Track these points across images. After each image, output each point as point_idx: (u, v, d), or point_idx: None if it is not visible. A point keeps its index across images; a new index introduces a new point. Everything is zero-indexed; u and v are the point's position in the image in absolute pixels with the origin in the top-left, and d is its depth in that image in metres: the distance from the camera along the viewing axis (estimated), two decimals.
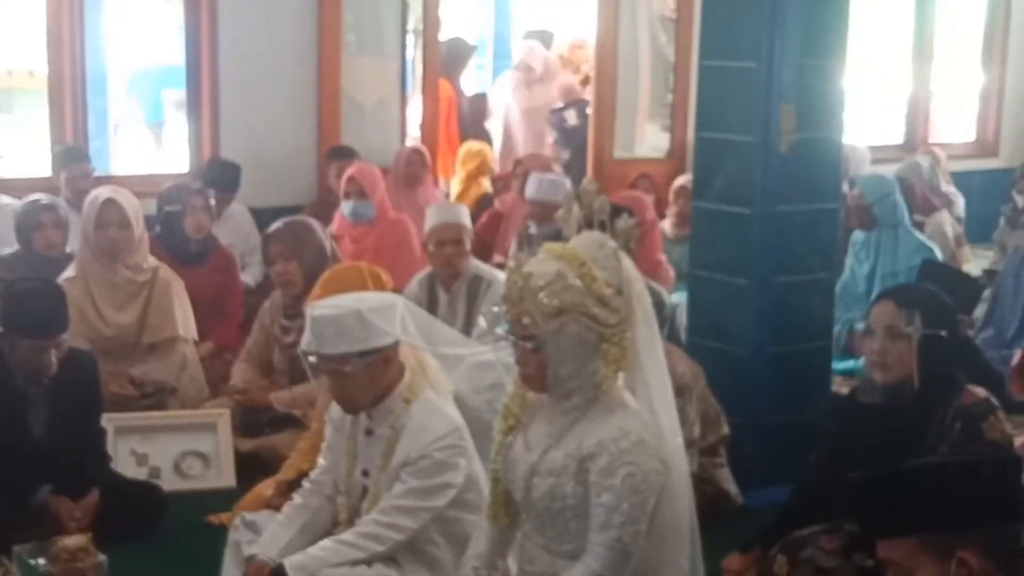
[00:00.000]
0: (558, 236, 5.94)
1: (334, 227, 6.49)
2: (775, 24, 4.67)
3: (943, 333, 3.77)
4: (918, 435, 3.72)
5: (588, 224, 3.19)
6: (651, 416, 3.11)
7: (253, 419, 5.12)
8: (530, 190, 6.50)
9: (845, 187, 6.36)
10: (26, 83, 14.51)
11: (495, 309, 4.73)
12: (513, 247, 6.47)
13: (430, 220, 5.48)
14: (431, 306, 5.36)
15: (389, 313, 3.58)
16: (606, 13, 8.55)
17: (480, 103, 9.52)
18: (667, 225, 7.26)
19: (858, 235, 6.58)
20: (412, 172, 7.36)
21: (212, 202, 6.15)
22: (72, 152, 6.89)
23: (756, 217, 4.77)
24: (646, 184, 7.86)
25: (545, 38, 10.15)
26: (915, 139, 9.92)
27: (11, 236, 6.33)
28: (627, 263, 3.12)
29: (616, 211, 3.22)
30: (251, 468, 4.84)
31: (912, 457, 3.64)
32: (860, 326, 4.75)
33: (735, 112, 4.82)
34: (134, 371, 5.23)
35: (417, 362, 3.71)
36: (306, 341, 3.58)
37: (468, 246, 5.42)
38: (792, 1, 4.68)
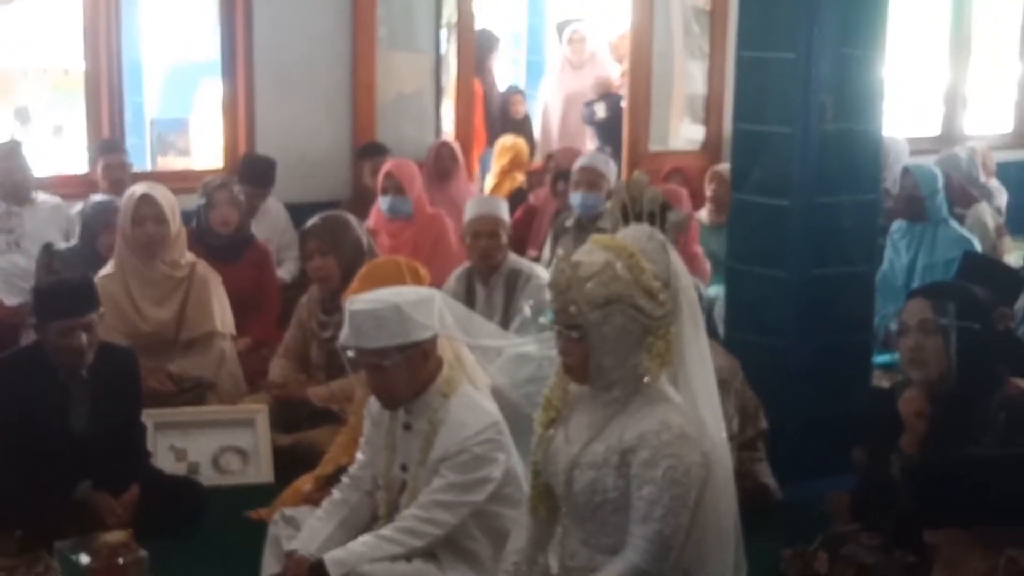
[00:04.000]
0: (593, 225, 5.99)
1: (371, 222, 6.50)
2: (813, 14, 4.64)
3: (977, 326, 3.75)
4: (960, 429, 3.69)
5: (636, 216, 3.18)
6: (694, 411, 3.10)
7: (291, 414, 5.12)
8: (580, 160, 6.54)
9: (886, 177, 6.33)
10: (61, 82, 14.61)
11: (530, 303, 4.76)
12: (548, 241, 6.47)
13: (468, 213, 5.48)
14: (469, 300, 5.35)
15: (427, 307, 3.58)
16: (641, 5, 8.51)
17: (512, 97, 9.48)
18: (704, 212, 7.24)
19: (897, 226, 6.53)
20: (442, 166, 7.36)
21: (240, 196, 6.13)
22: (108, 143, 6.94)
23: (795, 209, 4.74)
24: (679, 178, 7.84)
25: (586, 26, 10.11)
26: (952, 131, 9.85)
27: (52, 232, 6.40)
28: (675, 256, 3.11)
29: (663, 205, 3.20)
30: (289, 463, 4.84)
31: (953, 448, 3.66)
32: (893, 325, 4.72)
33: (773, 103, 4.78)
34: (172, 367, 5.23)
35: (455, 356, 3.71)
36: (345, 335, 3.58)
37: (505, 239, 5.41)
38: None
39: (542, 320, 3.47)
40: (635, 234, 3.14)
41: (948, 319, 3.73)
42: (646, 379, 3.06)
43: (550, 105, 9.53)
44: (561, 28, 10.24)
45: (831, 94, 4.71)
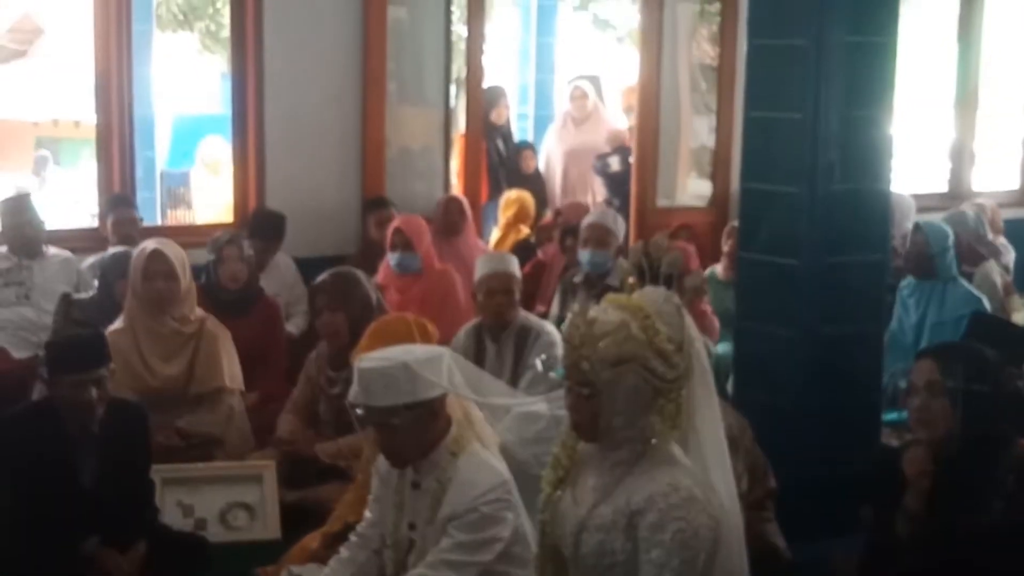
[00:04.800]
0: (601, 282, 6.00)
1: (379, 277, 6.52)
2: (820, 75, 4.67)
3: (985, 388, 3.75)
4: (966, 491, 3.69)
5: (654, 278, 3.20)
6: (704, 474, 3.09)
7: (299, 470, 5.11)
8: (589, 217, 6.55)
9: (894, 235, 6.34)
10: (72, 133, 14.72)
11: (542, 357, 4.75)
12: (557, 297, 6.47)
13: (480, 269, 5.49)
14: (479, 356, 5.36)
15: (436, 365, 3.59)
16: (648, 60, 8.56)
17: (523, 152, 9.53)
18: (719, 268, 7.25)
19: (907, 284, 6.53)
20: (450, 221, 7.38)
21: (249, 252, 6.16)
22: (118, 199, 6.98)
23: (803, 268, 4.75)
24: (686, 235, 7.86)
25: (595, 82, 10.18)
26: (959, 188, 9.86)
27: (62, 286, 6.42)
28: (690, 320, 3.13)
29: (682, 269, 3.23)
30: (296, 520, 4.82)
31: (960, 514, 3.65)
32: (903, 383, 4.73)
33: (781, 163, 4.81)
34: (181, 422, 5.23)
35: (464, 414, 3.72)
36: (354, 393, 3.59)
37: (518, 296, 5.43)
38: (838, 52, 4.67)
39: (553, 376, 3.47)
40: (651, 296, 3.16)
41: (955, 381, 3.73)
42: (653, 441, 3.07)
43: (552, 160, 9.59)
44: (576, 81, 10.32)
45: (838, 153, 4.73)
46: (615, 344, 3.03)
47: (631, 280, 3.35)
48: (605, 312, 3.09)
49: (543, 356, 4.72)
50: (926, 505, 3.76)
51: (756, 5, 4.92)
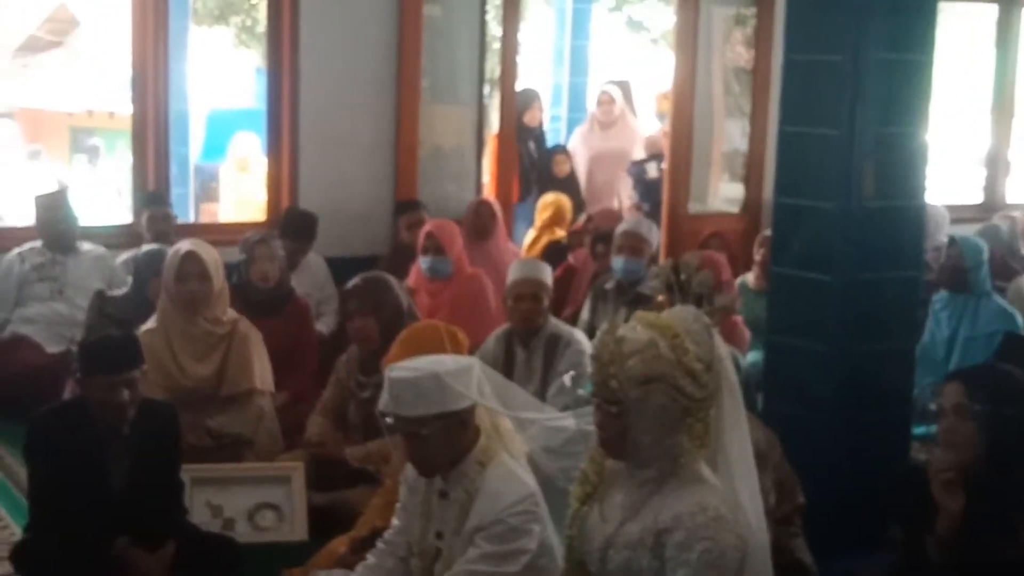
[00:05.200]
0: (633, 289, 6.00)
1: (410, 280, 6.54)
2: (856, 91, 4.65)
3: (1014, 411, 3.74)
4: (995, 516, 3.68)
5: (684, 297, 3.20)
6: (732, 494, 3.10)
7: (327, 473, 5.12)
8: (624, 225, 6.56)
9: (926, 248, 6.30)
10: (106, 123, 14.79)
11: (571, 374, 4.77)
12: (587, 304, 6.48)
13: (511, 275, 5.50)
14: (508, 362, 5.37)
15: (466, 376, 3.60)
16: (683, 63, 8.54)
17: (556, 156, 9.53)
18: (750, 277, 7.24)
19: (939, 298, 6.50)
20: (481, 224, 7.39)
21: (280, 251, 6.19)
22: (153, 196, 7.04)
23: (836, 284, 4.74)
24: (717, 243, 7.84)
25: (624, 87, 10.19)
26: (994, 199, 9.80)
27: (96, 282, 6.47)
28: (719, 340, 3.13)
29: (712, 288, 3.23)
30: (324, 522, 4.84)
31: (990, 541, 3.64)
32: (932, 406, 4.72)
33: (815, 178, 4.80)
34: (211, 422, 5.25)
35: (492, 425, 3.72)
36: (384, 402, 3.60)
37: (546, 303, 5.43)
38: (874, 69, 4.65)
39: (581, 392, 3.49)
40: (681, 314, 3.17)
41: (982, 404, 3.73)
42: (682, 459, 3.07)
43: (577, 164, 9.60)
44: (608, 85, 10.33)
45: (873, 163, 4.72)
46: (644, 363, 3.04)
47: (661, 298, 3.35)
48: (634, 330, 3.10)
49: (572, 372, 4.74)
50: (956, 531, 3.75)
51: (793, 20, 4.91)
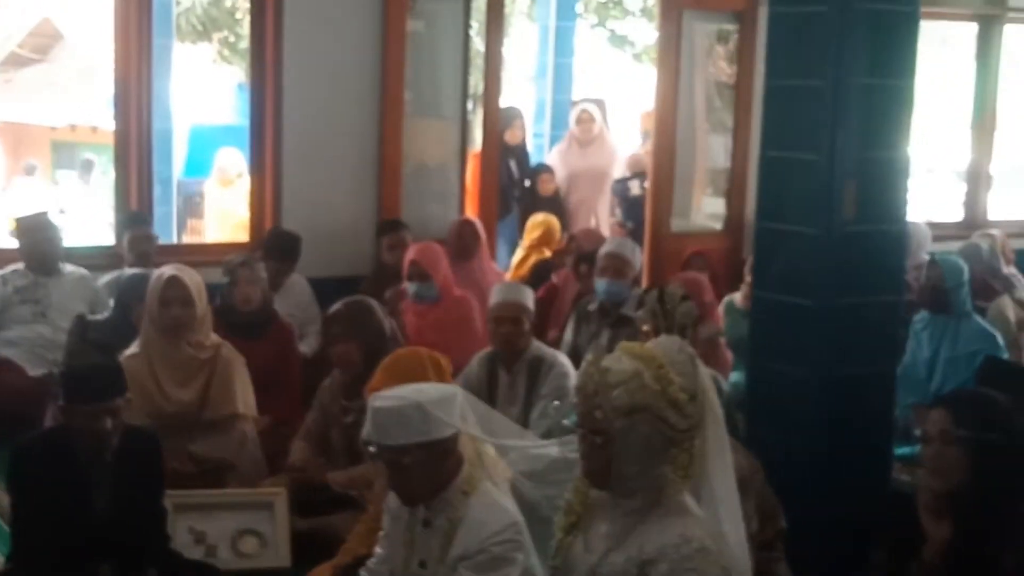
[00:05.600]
0: (617, 311, 6.00)
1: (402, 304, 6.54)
2: (837, 116, 4.66)
3: (999, 437, 3.76)
4: (982, 542, 3.69)
5: (668, 328, 3.21)
6: (715, 524, 3.11)
7: (310, 498, 5.12)
8: (607, 246, 6.54)
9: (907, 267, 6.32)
10: (88, 138, 14.78)
11: (555, 404, 4.78)
12: (571, 324, 6.48)
13: (492, 298, 5.53)
14: (491, 385, 5.39)
15: (449, 405, 3.61)
16: (665, 79, 8.55)
17: (541, 175, 9.55)
18: (738, 297, 7.24)
19: (920, 318, 6.52)
20: (464, 244, 7.38)
21: (263, 273, 6.18)
22: (135, 216, 7.03)
23: (817, 309, 4.74)
24: (700, 263, 7.86)
25: (600, 105, 10.21)
26: (975, 216, 9.83)
27: (78, 304, 6.46)
28: (703, 371, 3.14)
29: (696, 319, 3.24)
30: (307, 548, 4.83)
31: (973, 562, 3.65)
32: (917, 432, 4.75)
33: (796, 203, 4.81)
34: (193, 447, 5.24)
35: (475, 453, 3.73)
36: (367, 431, 3.60)
37: (527, 326, 5.44)
38: (855, 94, 4.67)
39: (566, 423, 3.50)
40: (666, 345, 3.18)
41: (967, 430, 3.74)
42: (668, 490, 3.08)
43: (557, 182, 9.59)
44: (575, 106, 10.38)
45: (853, 187, 4.73)
46: (628, 393, 3.06)
47: (645, 328, 3.36)
48: (619, 361, 3.11)
49: (556, 402, 4.75)
50: (942, 557, 3.77)
51: (774, 46, 4.92)
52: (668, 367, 3.09)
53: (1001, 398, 3.97)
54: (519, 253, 8.63)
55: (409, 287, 6.50)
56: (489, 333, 5.51)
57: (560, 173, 9.53)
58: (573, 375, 5.05)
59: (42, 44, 15.53)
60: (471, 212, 8.14)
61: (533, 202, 9.19)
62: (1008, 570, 3.66)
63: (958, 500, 3.79)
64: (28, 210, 7.09)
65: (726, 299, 7.17)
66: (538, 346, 5.49)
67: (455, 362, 5.20)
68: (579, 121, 9.68)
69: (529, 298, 5.52)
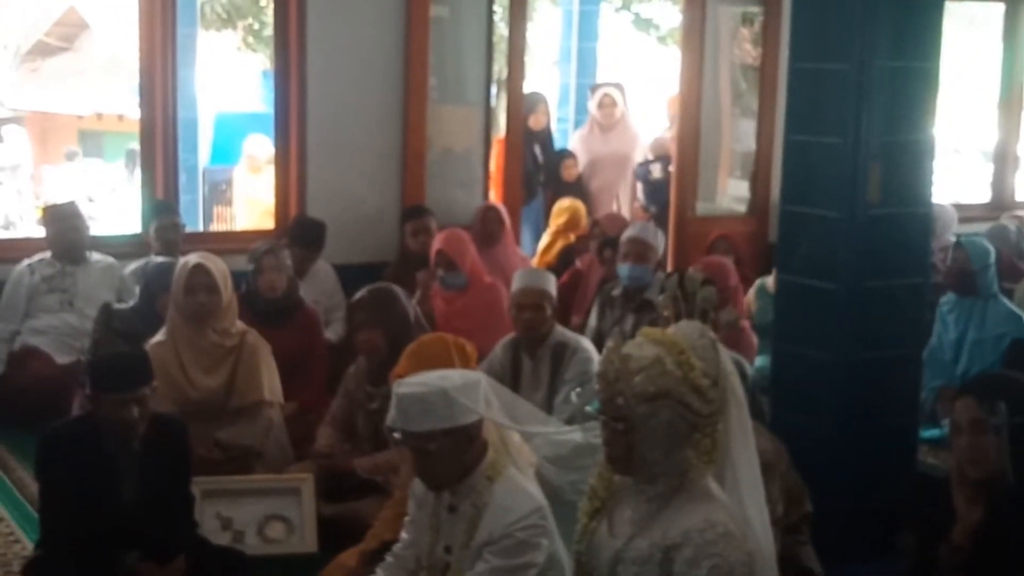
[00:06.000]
0: (640, 295, 6.00)
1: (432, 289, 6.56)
2: (862, 99, 4.65)
3: None
4: (1018, 527, 3.68)
5: (689, 313, 3.20)
6: (739, 509, 3.10)
7: (336, 484, 5.14)
8: (629, 231, 6.53)
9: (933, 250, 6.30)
10: (115, 126, 14.84)
11: (577, 391, 4.77)
12: (595, 309, 6.48)
13: (514, 284, 5.52)
14: (515, 371, 5.39)
15: (473, 391, 3.61)
16: (690, 62, 8.52)
17: (565, 161, 9.53)
18: (770, 281, 7.21)
19: (947, 300, 6.50)
20: (489, 230, 7.38)
21: (288, 261, 6.19)
22: (161, 205, 7.05)
23: (842, 292, 4.74)
24: (724, 246, 7.83)
25: (619, 89, 10.16)
26: (1002, 197, 9.76)
27: (105, 292, 6.50)
28: (725, 355, 3.13)
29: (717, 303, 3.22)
30: (333, 533, 4.85)
31: (1005, 545, 3.64)
32: (945, 424, 4.73)
33: (821, 186, 4.80)
34: (220, 435, 5.26)
35: (500, 438, 3.73)
36: (391, 417, 3.61)
37: (550, 312, 5.43)
38: (879, 77, 4.65)
39: (589, 410, 3.50)
40: (686, 330, 3.17)
41: (998, 417, 3.72)
42: (691, 475, 3.08)
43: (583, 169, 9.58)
44: (595, 91, 10.35)
45: (878, 171, 4.72)
46: (650, 379, 3.05)
47: (666, 313, 3.35)
48: (640, 347, 3.10)
49: (578, 389, 4.74)
50: (973, 540, 3.75)
51: (798, 29, 4.91)
52: (689, 352, 3.08)
53: None
54: (545, 239, 8.62)
55: (437, 275, 6.51)
56: (512, 318, 5.51)
57: (582, 158, 9.52)
58: (597, 360, 5.05)
59: (68, 33, 15.60)
60: (496, 198, 8.14)
61: (557, 187, 9.17)
62: None
63: (994, 485, 3.77)
64: (57, 199, 7.12)
65: (758, 282, 7.13)
66: (561, 331, 5.48)
67: (484, 348, 5.23)
68: (601, 105, 9.65)
69: (551, 284, 5.52)
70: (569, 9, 11.99)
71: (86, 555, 4.20)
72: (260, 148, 9.95)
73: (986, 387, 3.93)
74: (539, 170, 9.28)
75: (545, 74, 11.93)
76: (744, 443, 3.17)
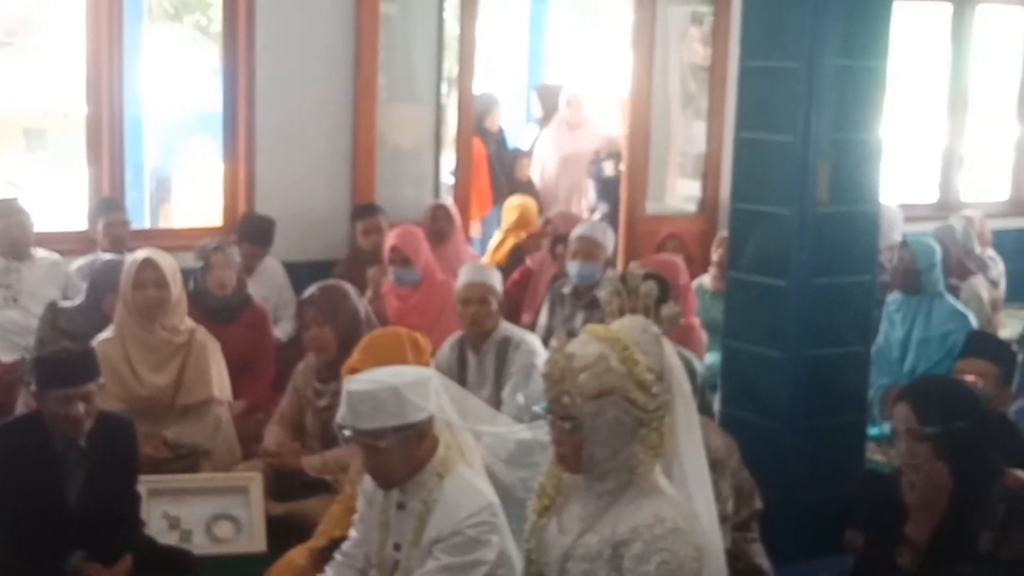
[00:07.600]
0: (589, 293, 6.01)
1: (384, 287, 6.53)
2: (811, 97, 4.68)
3: (967, 424, 3.77)
4: (964, 524, 3.71)
5: (631, 309, 3.20)
6: (687, 502, 3.11)
7: (285, 482, 5.12)
8: (578, 229, 6.52)
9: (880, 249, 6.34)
10: (60, 123, 14.66)
11: (525, 392, 4.76)
12: (545, 307, 6.48)
13: (459, 279, 5.52)
14: (461, 368, 5.39)
15: (424, 388, 3.59)
16: (640, 62, 8.54)
17: (519, 161, 9.53)
18: (707, 278, 7.26)
19: (893, 298, 6.56)
20: (438, 228, 7.37)
21: (237, 258, 6.16)
22: (108, 202, 6.98)
23: (791, 289, 4.77)
24: (675, 244, 7.86)
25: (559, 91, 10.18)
26: (949, 197, 9.86)
27: (50, 289, 6.42)
28: (669, 349, 3.13)
29: (658, 299, 3.21)
30: (282, 532, 4.83)
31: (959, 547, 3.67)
32: (887, 427, 4.78)
33: (770, 184, 4.82)
34: (168, 433, 5.22)
35: (450, 435, 3.72)
36: (341, 415, 3.59)
37: (494, 307, 5.42)
38: (829, 75, 4.68)
39: (536, 410, 3.49)
40: (630, 326, 3.17)
41: (933, 425, 3.76)
42: (638, 470, 3.08)
43: (547, 166, 9.59)
44: (540, 91, 10.35)
45: (827, 168, 4.74)
46: (595, 377, 3.05)
47: (609, 309, 3.33)
48: (584, 345, 3.10)
49: (526, 390, 4.74)
50: (928, 537, 3.78)
51: (748, 27, 4.93)
52: (633, 348, 3.08)
53: (962, 383, 3.99)
54: (496, 236, 8.63)
55: (390, 271, 6.50)
56: (458, 314, 5.50)
57: (551, 157, 9.52)
58: (543, 354, 5.06)
59: (11, 29, 15.40)
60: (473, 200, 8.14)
61: (512, 187, 9.17)
62: (985, 549, 3.68)
63: (936, 491, 3.80)
64: (0, 195, 7.02)
65: (695, 282, 7.18)
66: (507, 327, 5.48)
67: (437, 345, 5.23)
68: (568, 104, 9.66)
69: (496, 279, 5.52)
70: (520, 7, 11.99)
71: (31, 555, 4.14)
72: (200, 150, 9.87)
73: (922, 395, 3.93)
74: (503, 171, 9.29)
75: (495, 73, 11.89)
76: (691, 436, 3.18)
